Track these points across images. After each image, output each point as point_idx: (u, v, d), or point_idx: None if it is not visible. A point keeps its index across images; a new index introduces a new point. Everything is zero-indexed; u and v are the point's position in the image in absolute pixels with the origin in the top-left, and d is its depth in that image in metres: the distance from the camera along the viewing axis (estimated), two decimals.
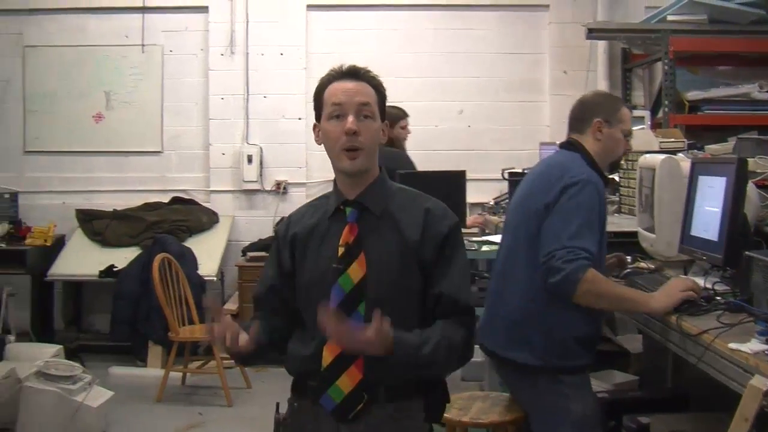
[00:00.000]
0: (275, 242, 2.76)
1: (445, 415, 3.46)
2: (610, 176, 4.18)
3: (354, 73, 2.59)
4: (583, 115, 3.53)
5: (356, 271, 2.53)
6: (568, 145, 3.52)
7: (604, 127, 3.45)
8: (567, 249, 3.04)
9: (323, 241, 2.61)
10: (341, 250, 2.55)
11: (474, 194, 6.57)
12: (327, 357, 2.52)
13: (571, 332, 3.25)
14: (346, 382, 2.51)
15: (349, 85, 2.56)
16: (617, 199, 5.27)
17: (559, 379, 3.26)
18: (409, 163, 6.17)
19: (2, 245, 7.19)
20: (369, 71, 2.62)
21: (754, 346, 2.30)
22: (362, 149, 2.53)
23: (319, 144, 2.63)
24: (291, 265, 2.66)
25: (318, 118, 2.62)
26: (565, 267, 3.01)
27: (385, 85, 2.63)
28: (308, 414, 2.60)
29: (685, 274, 3.40)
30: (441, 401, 2.67)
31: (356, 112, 2.52)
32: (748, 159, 3.53)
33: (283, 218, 2.94)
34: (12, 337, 6.50)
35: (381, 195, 2.62)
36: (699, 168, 3.41)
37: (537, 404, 3.42)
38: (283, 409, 2.74)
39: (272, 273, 2.71)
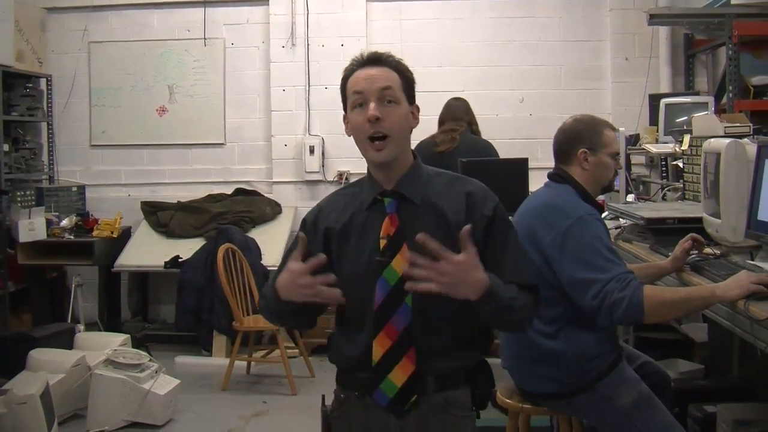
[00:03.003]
0: (301, 230, 2.64)
1: (507, 400, 3.49)
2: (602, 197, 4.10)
3: (375, 59, 2.54)
4: (566, 146, 3.50)
5: (401, 263, 2.44)
6: (557, 177, 3.50)
7: (589, 156, 3.44)
8: (613, 279, 3.02)
9: (362, 234, 2.55)
10: (383, 243, 2.50)
11: (537, 182, 6.52)
12: (378, 351, 2.48)
13: (588, 355, 3.28)
14: (398, 376, 2.48)
15: (370, 71, 2.51)
16: (681, 185, 5.22)
17: (596, 388, 3.28)
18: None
19: (71, 237, 7.32)
20: (392, 55, 2.56)
21: None
22: (388, 136, 2.47)
23: (350, 136, 2.57)
24: (315, 253, 2.48)
25: (345, 109, 2.58)
26: (623, 295, 2.97)
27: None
28: (357, 406, 2.58)
29: (752, 259, 3.34)
30: (487, 388, 2.65)
31: (378, 98, 2.47)
32: None
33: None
34: (81, 327, 6.64)
35: (418, 182, 2.56)
36: (766, 152, 3.35)
37: (588, 415, 3.43)
38: (329, 401, 2.71)
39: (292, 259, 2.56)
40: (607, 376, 3.27)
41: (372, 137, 2.46)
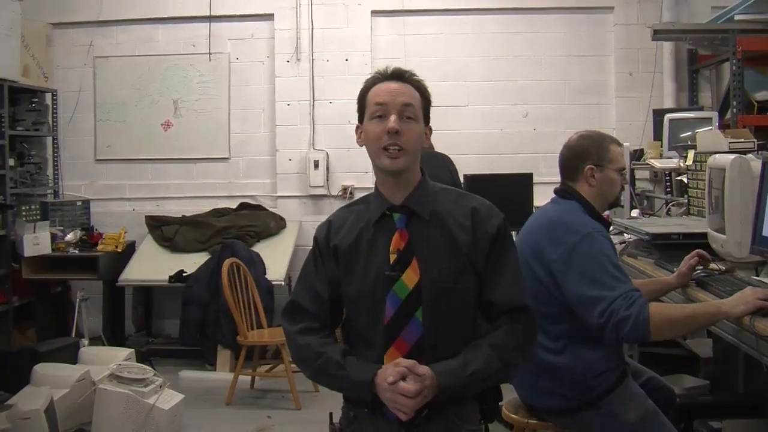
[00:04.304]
0: (315, 247, 2.71)
1: (512, 415, 3.50)
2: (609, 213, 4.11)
3: (398, 75, 2.60)
4: (573, 162, 3.50)
5: (411, 277, 2.51)
6: (564, 193, 3.51)
7: (596, 173, 3.45)
8: (620, 297, 3.02)
9: (371, 249, 2.59)
10: (393, 257, 2.54)
11: (541, 197, 6.56)
12: None
13: (594, 371, 3.29)
14: None
15: (393, 85, 2.56)
16: (685, 200, 5.23)
17: (601, 405, 3.28)
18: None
19: (75, 251, 7.33)
20: (414, 74, 2.63)
21: None
22: (404, 149, 2.52)
23: (361, 146, 2.64)
24: (336, 275, 2.63)
25: (361, 119, 2.63)
26: (629, 313, 2.98)
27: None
28: (367, 422, 2.59)
29: (757, 275, 3.36)
30: (495, 402, 2.69)
31: (399, 113, 2.52)
32: None
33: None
34: (85, 341, 6.65)
35: (426, 198, 2.60)
36: None
37: (592, 430, 3.43)
38: (336, 418, 2.72)
39: (319, 284, 2.66)
40: (613, 392, 3.28)
41: (387, 147, 2.50)
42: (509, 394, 3.30)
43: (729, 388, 4.77)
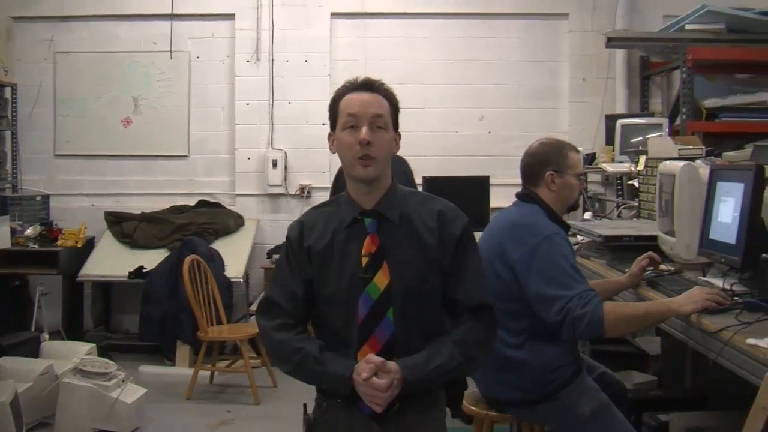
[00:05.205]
0: (289, 247, 2.77)
1: (473, 407, 3.64)
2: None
3: (369, 86, 2.69)
4: (534, 169, 3.66)
5: (382, 279, 2.62)
6: (526, 197, 3.67)
7: (556, 178, 3.60)
8: (576, 296, 3.19)
9: (344, 253, 2.67)
10: (365, 260, 2.64)
11: (496, 198, 6.73)
12: None
13: (552, 365, 3.45)
14: None
15: (364, 96, 2.65)
16: (636, 204, 5.40)
17: (558, 397, 3.44)
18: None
19: (35, 246, 7.34)
20: (383, 84, 2.71)
21: None
22: (375, 158, 2.62)
23: (334, 153, 2.73)
24: (309, 274, 2.71)
25: (333, 127, 2.71)
26: (585, 311, 3.14)
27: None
28: (340, 414, 2.69)
29: (704, 276, 3.51)
30: (461, 389, 2.83)
31: (370, 123, 2.61)
32: (765, 166, 3.67)
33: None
34: (46, 336, 6.67)
35: (395, 203, 2.71)
36: (717, 174, 3.53)
37: (549, 422, 3.60)
38: (310, 409, 2.81)
39: (293, 282, 2.73)
40: (569, 385, 3.44)
41: (360, 157, 2.60)
42: (470, 387, 3.44)
43: (676, 383, 4.94)
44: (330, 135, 2.74)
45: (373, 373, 2.53)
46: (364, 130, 2.60)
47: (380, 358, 2.56)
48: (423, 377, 2.58)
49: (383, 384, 2.52)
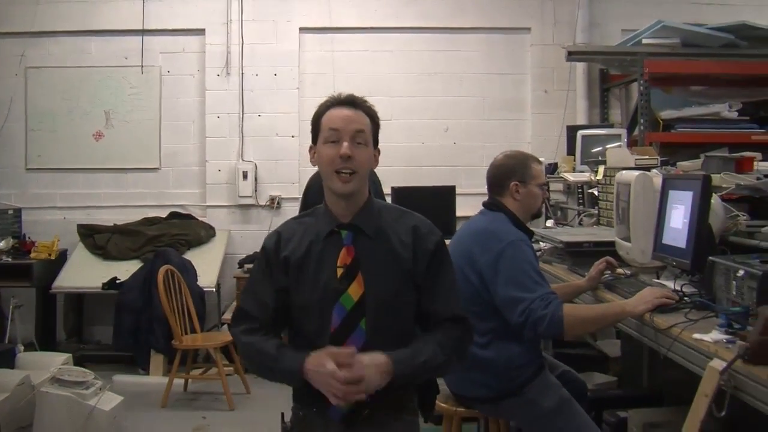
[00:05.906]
0: (264, 257, 2.81)
1: (442, 405, 3.83)
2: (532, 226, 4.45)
3: (351, 102, 2.74)
4: (499, 180, 3.87)
5: (356, 290, 2.67)
6: (492, 206, 3.87)
7: (520, 188, 3.82)
8: (538, 298, 3.39)
9: (320, 263, 2.71)
10: (340, 271, 2.69)
11: (462, 207, 6.95)
12: None
13: (516, 363, 3.64)
14: None
15: (346, 112, 2.71)
16: (596, 212, 5.59)
17: (522, 392, 3.64)
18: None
19: (8, 259, 7.41)
20: (366, 101, 2.77)
21: (714, 336, 2.65)
22: (355, 173, 2.68)
23: (314, 165, 2.79)
24: (284, 285, 2.74)
25: (315, 140, 2.76)
26: (545, 313, 3.35)
27: (374, 103, 2.82)
28: (316, 421, 2.74)
29: (658, 278, 3.71)
30: (433, 393, 2.92)
31: (351, 138, 2.67)
32: (715, 175, 3.89)
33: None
34: (21, 347, 6.74)
35: (372, 216, 2.76)
36: (669, 183, 3.72)
37: (515, 416, 3.80)
38: (287, 417, 2.88)
39: (265, 292, 2.76)
40: (532, 381, 3.64)
41: (340, 171, 2.69)
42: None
43: (635, 383, 5.14)
44: (311, 148, 2.80)
45: (329, 361, 2.54)
46: (346, 145, 2.66)
47: (348, 350, 2.56)
48: (409, 372, 2.64)
49: (340, 374, 2.50)
